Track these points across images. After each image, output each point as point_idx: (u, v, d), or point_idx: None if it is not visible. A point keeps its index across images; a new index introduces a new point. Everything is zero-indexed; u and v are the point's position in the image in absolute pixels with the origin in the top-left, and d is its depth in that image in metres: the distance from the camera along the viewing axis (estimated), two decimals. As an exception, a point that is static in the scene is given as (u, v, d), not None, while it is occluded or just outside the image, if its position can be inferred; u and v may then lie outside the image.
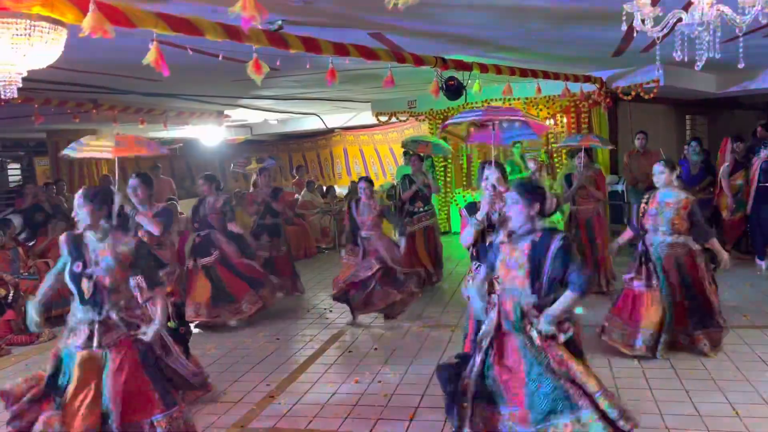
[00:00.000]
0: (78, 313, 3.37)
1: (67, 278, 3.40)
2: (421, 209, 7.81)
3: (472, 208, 4.02)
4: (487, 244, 3.71)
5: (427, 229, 7.82)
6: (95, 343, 3.30)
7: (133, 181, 4.61)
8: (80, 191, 3.44)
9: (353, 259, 6.46)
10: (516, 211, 3.15)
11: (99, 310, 3.32)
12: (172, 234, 4.83)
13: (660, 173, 4.94)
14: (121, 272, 3.37)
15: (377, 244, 6.33)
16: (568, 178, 7.14)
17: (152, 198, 4.77)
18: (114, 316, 3.33)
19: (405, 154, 12.33)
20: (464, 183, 12.65)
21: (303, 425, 4.13)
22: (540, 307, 3.08)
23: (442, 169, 12.48)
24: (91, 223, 3.36)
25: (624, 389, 4.35)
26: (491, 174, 3.97)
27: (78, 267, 3.36)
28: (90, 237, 3.40)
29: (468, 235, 3.89)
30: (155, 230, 4.45)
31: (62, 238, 3.49)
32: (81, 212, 3.37)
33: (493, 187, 3.93)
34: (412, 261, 7.49)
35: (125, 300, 3.41)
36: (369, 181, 6.60)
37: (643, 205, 5.05)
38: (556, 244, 3.05)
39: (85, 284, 3.33)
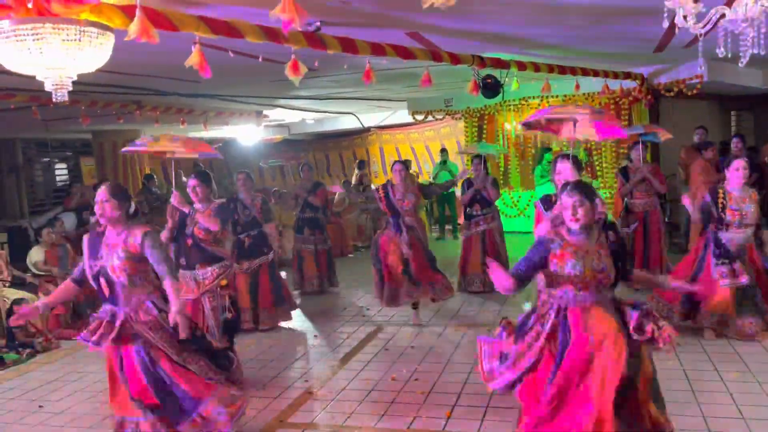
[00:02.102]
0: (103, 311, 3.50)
1: (89, 279, 3.49)
2: (479, 213, 7.51)
3: (547, 201, 4.03)
4: None
5: (486, 233, 7.51)
6: (112, 338, 3.40)
7: (192, 180, 4.68)
8: (104, 187, 3.49)
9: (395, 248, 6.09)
10: (582, 212, 3.02)
11: (118, 307, 3.44)
12: (227, 231, 4.90)
13: (743, 168, 5.03)
14: (133, 265, 3.41)
15: (418, 233, 6.17)
16: (624, 172, 7.05)
17: (211, 196, 4.80)
18: (132, 313, 3.43)
19: (442, 151, 12.34)
20: (501, 181, 12.58)
21: (341, 421, 4.18)
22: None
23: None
24: (113, 219, 3.44)
25: (696, 381, 4.30)
26: (564, 169, 3.94)
27: (96, 267, 3.44)
28: (109, 233, 3.48)
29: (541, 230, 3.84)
30: (213, 227, 4.53)
31: (85, 238, 3.56)
32: (104, 208, 3.42)
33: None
34: (466, 265, 7.59)
35: (144, 295, 3.48)
36: (403, 163, 6.49)
37: (721, 200, 5.10)
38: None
39: (104, 284, 3.43)
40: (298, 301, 7.31)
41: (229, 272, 4.71)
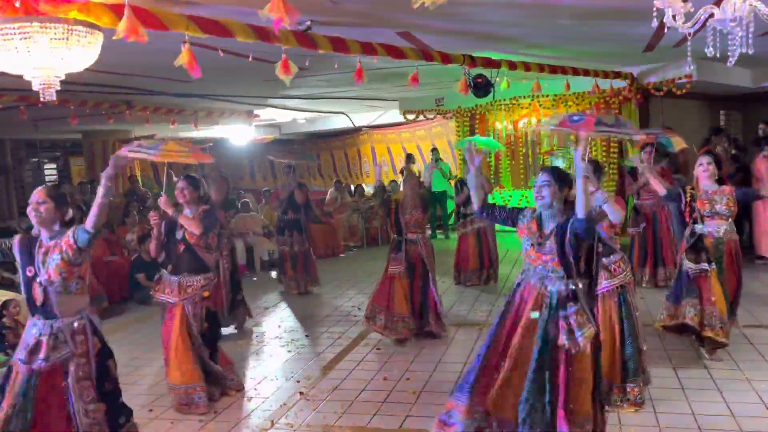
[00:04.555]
0: (31, 326, 3.23)
1: (21, 286, 3.27)
2: (474, 212, 7.79)
3: None
4: None
5: (480, 230, 7.83)
6: (42, 356, 3.14)
7: (181, 183, 4.59)
8: (41, 188, 3.27)
9: (397, 269, 5.76)
10: (547, 192, 3.21)
11: (51, 320, 3.17)
12: (215, 237, 4.74)
13: (708, 164, 4.97)
14: (68, 268, 3.15)
15: (422, 251, 5.80)
16: (633, 172, 7.10)
17: (199, 200, 4.70)
18: (64, 328, 3.17)
19: (433, 150, 12.34)
20: (492, 181, 12.59)
21: (332, 421, 4.17)
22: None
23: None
24: (48, 222, 3.21)
25: (685, 378, 4.32)
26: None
27: (30, 271, 3.21)
28: (43, 237, 3.23)
29: None
30: (196, 230, 4.44)
31: (15, 241, 3.30)
32: (39, 210, 3.18)
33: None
34: (463, 261, 7.85)
35: (76, 307, 3.24)
36: (417, 178, 6.27)
37: (690, 194, 5.08)
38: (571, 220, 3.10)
39: (37, 290, 3.17)
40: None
41: (212, 284, 4.62)
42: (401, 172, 13.10)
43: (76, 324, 3.21)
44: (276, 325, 6.70)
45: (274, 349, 5.89)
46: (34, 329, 3.21)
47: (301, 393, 4.69)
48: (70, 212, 3.32)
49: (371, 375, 4.98)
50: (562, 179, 3.22)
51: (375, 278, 8.68)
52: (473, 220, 7.82)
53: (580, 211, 2.98)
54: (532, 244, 3.24)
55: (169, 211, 4.53)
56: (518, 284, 3.32)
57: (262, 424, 4.18)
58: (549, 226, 3.22)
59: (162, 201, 4.52)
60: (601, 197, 3.96)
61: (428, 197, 6.33)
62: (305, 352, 5.71)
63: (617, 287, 4.09)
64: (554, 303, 3.13)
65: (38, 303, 3.18)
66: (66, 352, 3.17)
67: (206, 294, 4.53)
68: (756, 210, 8.21)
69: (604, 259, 4.06)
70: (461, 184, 7.91)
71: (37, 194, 3.22)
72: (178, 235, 4.53)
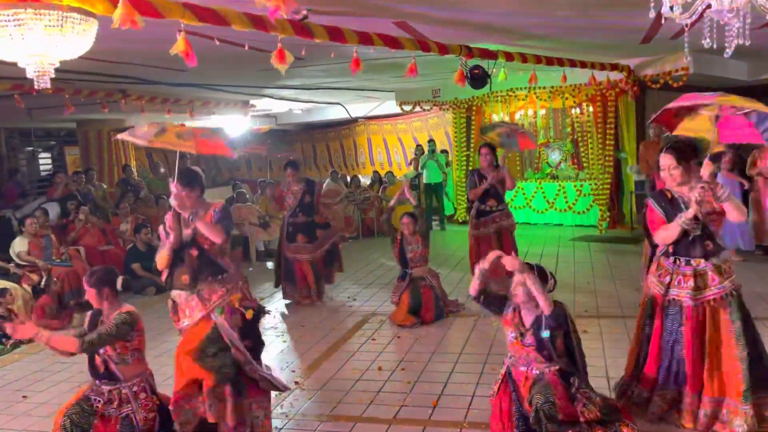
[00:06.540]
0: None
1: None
2: (494, 208, 6.68)
3: (661, 198, 3.60)
4: (690, 239, 3.49)
5: (501, 231, 6.70)
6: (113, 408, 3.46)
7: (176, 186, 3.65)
8: (86, 278, 3.55)
9: (394, 298, 6.23)
10: (521, 290, 3.41)
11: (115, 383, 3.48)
12: (228, 239, 3.83)
13: None
14: (122, 344, 3.45)
15: (432, 283, 6.20)
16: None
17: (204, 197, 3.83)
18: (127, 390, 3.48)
19: (430, 141, 12.33)
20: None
21: (327, 411, 4.19)
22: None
23: (464, 159, 12.38)
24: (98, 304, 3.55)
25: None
26: (668, 164, 3.51)
27: None
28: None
29: (672, 234, 3.49)
30: (217, 239, 3.59)
31: (88, 314, 3.61)
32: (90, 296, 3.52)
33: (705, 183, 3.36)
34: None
35: (136, 371, 3.53)
36: (412, 215, 6.18)
37: None
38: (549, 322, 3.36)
39: (98, 361, 3.47)
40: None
41: (239, 288, 3.77)
42: (410, 163, 13.04)
43: (135, 388, 3.50)
44: (271, 315, 6.70)
45: (269, 339, 5.89)
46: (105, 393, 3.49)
47: (296, 383, 4.70)
48: (118, 282, 3.57)
49: (366, 365, 4.99)
50: (540, 276, 3.40)
51: (370, 269, 8.75)
52: (494, 219, 6.69)
53: (546, 309, 3.34)
54: (515, 336, 3.45)
55: (185, 214, 3.61)
56: (508, 371, 3.52)
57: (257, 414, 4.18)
58: (528, 319, 3.44)
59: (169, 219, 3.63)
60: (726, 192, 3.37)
61: (427, 232, 6.40)
62: (301, 343, 5.73)
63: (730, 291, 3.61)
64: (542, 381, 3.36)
65: (100, 371, 3.46)
66: (128, 410, 3.47)
67: (239, 296, 3.71)
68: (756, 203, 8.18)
69: (721, 255, 3.56)
70: (479, 176, 6.72)
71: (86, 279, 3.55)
72: (186, 238, 3.65)
